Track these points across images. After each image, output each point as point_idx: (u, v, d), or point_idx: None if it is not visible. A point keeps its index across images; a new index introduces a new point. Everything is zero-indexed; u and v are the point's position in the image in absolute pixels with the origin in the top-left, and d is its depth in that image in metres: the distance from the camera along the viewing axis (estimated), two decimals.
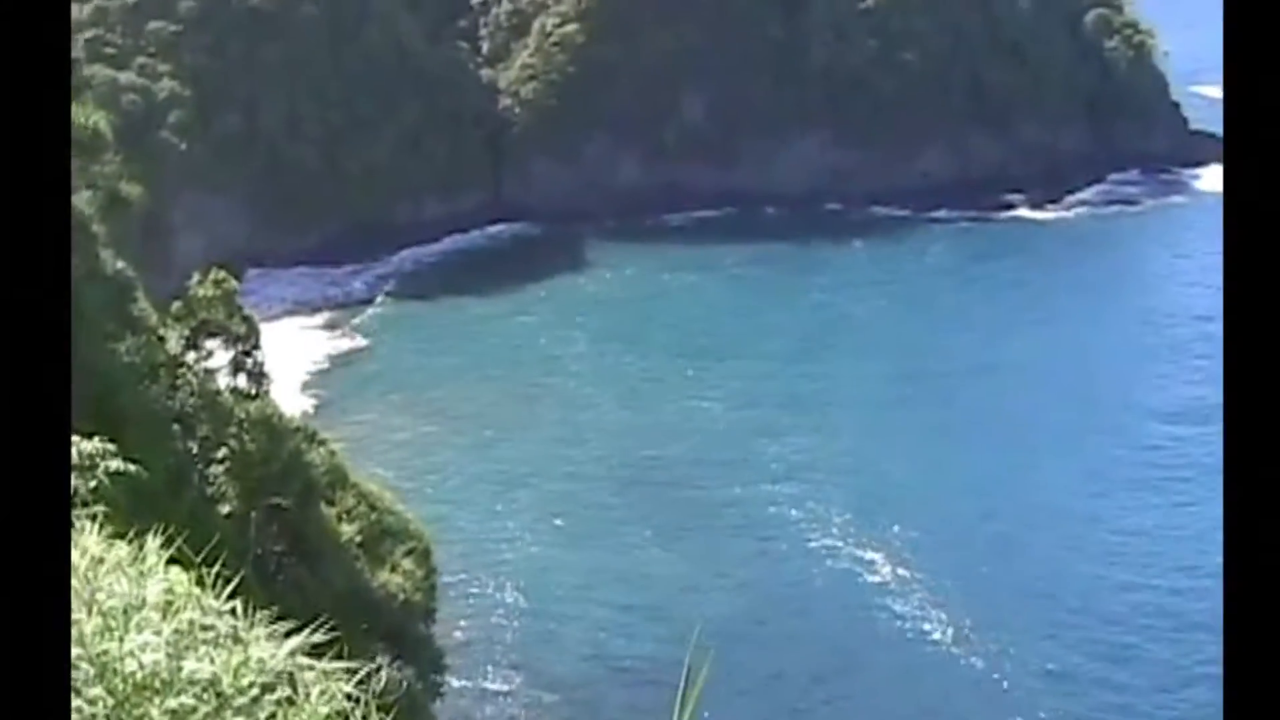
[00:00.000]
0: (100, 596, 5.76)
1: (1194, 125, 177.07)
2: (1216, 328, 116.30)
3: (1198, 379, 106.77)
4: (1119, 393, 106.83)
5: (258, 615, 5.93)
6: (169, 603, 5.81)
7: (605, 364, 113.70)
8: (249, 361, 48.44)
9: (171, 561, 6.16)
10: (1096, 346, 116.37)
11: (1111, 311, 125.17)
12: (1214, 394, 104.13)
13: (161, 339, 45.97)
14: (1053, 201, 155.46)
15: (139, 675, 5.43)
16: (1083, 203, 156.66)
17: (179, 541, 6.34)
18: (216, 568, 6.22)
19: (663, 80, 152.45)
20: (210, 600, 5.89)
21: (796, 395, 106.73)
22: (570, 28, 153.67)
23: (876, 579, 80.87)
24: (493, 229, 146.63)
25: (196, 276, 49.08)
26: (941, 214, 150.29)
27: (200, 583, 6.00)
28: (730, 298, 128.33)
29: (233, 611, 5.87)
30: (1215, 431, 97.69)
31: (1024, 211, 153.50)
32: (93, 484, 10.25)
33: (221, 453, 45.35)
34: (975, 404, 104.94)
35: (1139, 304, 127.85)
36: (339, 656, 5.92)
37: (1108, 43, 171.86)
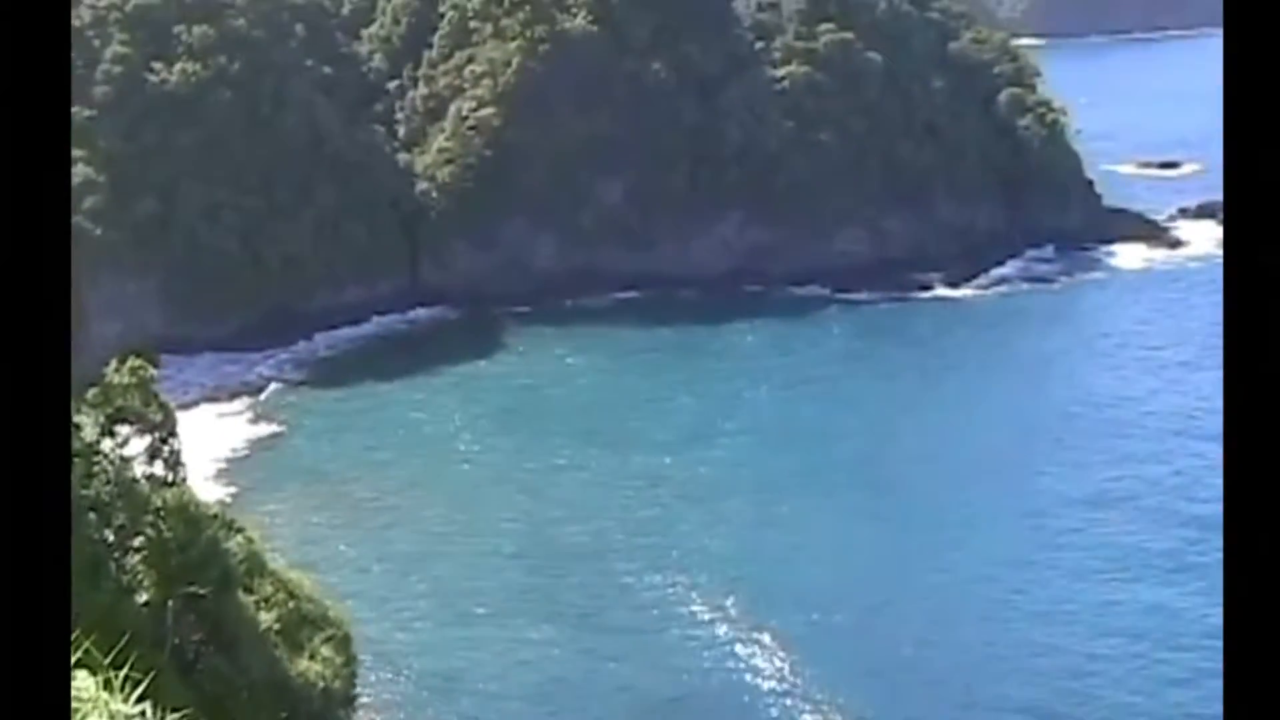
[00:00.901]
0: None
1: (1108, 202, 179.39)
2: (1131, 412, 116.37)
3: (1112, 463, 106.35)
4: (1031, 478, 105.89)
5: (170, 717, 5.73)
6: (74, 710, 5.61)
7: (514, 448, 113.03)
8: (165, 449, 48.00)
9: (80, 664, 5.97)
10: (1009, 430, 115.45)
11: (1026, 394, 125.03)
12: (1128, 478, 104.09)
13: (77, 426, 45.48)
14: (970, 279, 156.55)
15: None
16: (1000, 280, 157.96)
17: (86, 643, 6.16)
18: (126, 668, 6.02)
19: (579, 164, 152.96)
20: (119, 705, 5.69)
21: (697, 482, 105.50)
22: (487, 112, 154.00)
23: (775, 667, 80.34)
24: (411, 313, 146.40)
25: (113, 363, 48.67)
26: (861, 294, 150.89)
27: (108, 686, 5.80)
28: (642, 382, 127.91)
29: (143, 714, 5.67)
30: (1129, 516, 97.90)
31: (942, 290, 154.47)
32: None
33: (138, 541, 44.83)
34: (881, 490, 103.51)
35: (1054, 386, 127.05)
36: None
37: (1021, 122, 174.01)
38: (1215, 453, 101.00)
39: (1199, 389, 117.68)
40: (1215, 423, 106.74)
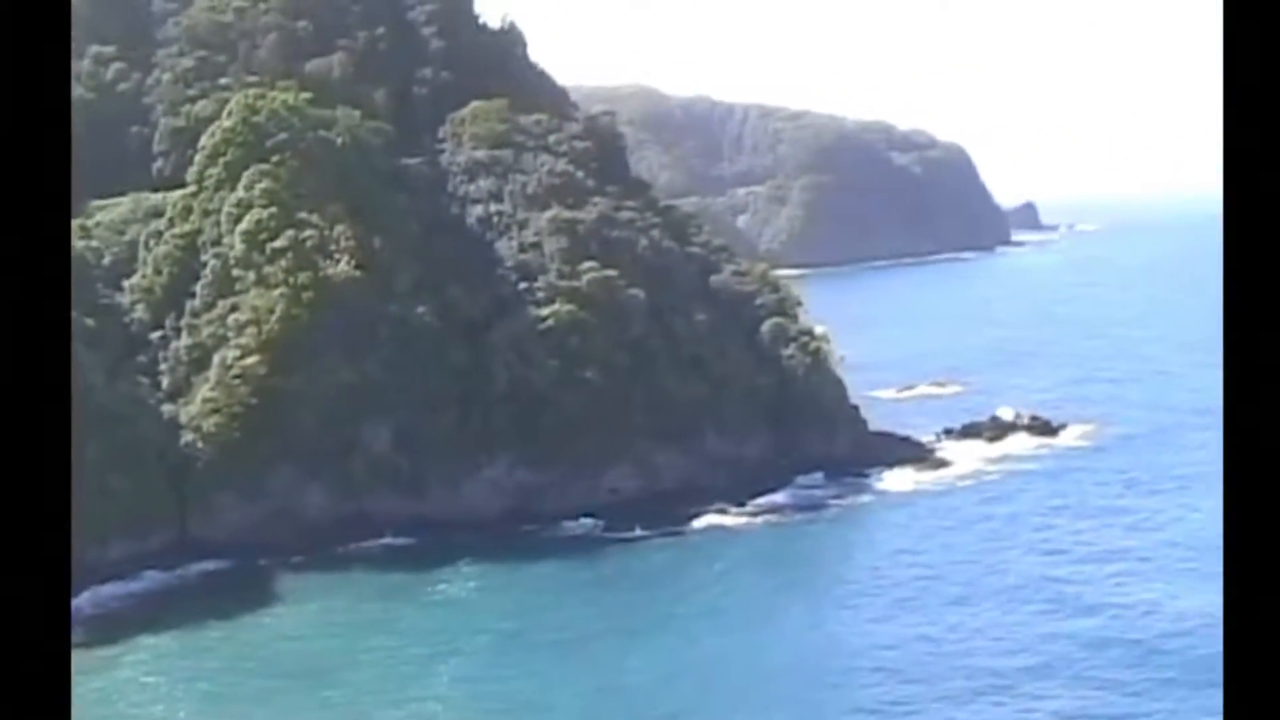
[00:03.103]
0: None
1: (874, 427, 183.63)
2: (905, 655, 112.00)
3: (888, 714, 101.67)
4: None
5: None
6: None
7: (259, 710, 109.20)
8: None
9: None
10: (763, 682, 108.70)
11: (783, 636, 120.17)
12: None
13: None
14: (740, 508, 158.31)
15: None
16: (771, 509, 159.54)
17: None
18: None
19: (347, 410, 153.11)
20: None
21: None
22: (252, 360, 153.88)
23: None
24: (181, 568, 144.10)
25: None
26: (633, 530, 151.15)
27: None
28: (391, 635, 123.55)
29: None
30: None
31: (713, 519, 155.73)
32: None
33: None
34: None
35: (815, 630, 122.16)
36: None
37: (785, 351, 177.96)
38: (995, 705, 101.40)
39: (966, 627, 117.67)
40: (991, 662, 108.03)
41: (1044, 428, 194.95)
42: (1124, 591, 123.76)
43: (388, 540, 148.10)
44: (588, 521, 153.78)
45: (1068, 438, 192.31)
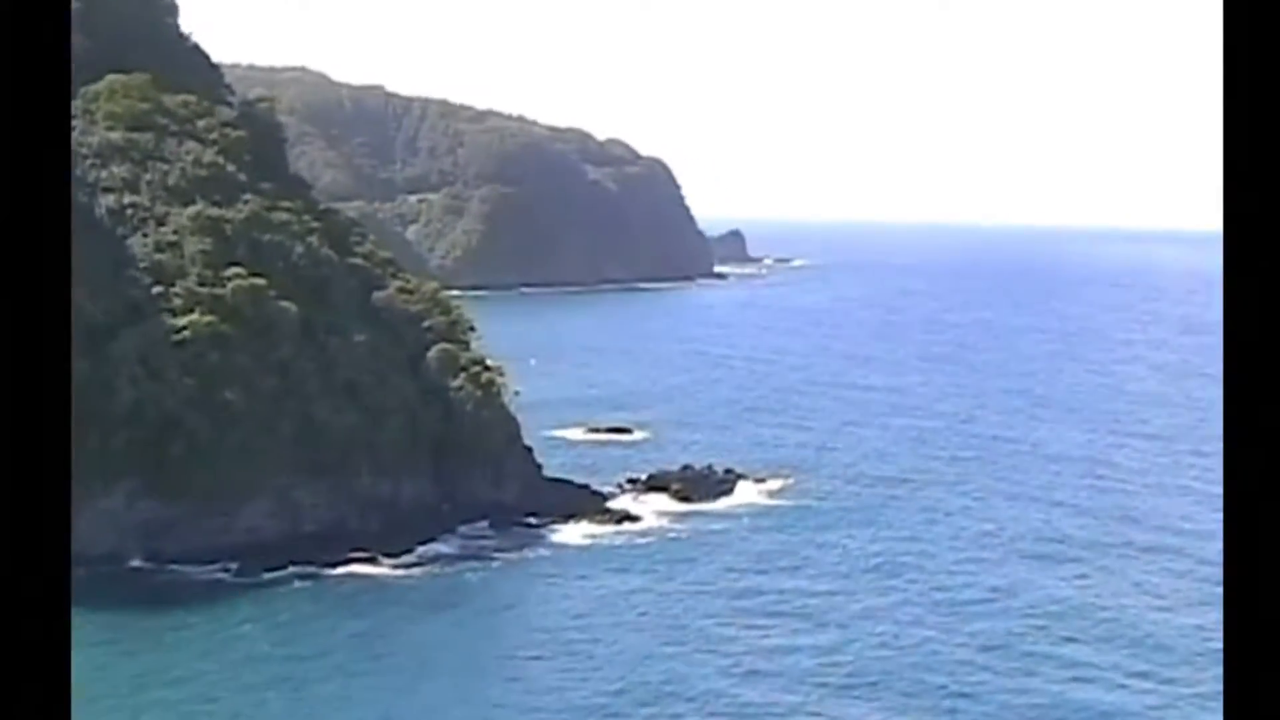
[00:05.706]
0: None
1: (552, 472, 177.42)
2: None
3: None
4: None
5: None
6: None
7: None
8: None
9: None
10: None
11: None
12: None
13: None
14: (393, 557, 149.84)
15: None
16: (430, 559, 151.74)
17: None
18: None
19: None
20: None
21: None
22: None
23: None
24: None
25: None
26: (267, 575, 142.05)
27: None
28: None
29: None
30: None
31: (362, 569, 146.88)
32: None
33: None
34: None
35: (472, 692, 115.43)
36: None
37: (453, 382, 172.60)
38: None
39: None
40: None
41: (732, 483, 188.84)
42: (806, 698, 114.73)
43: None
44: (214, 567, 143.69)
45: (754, 495, 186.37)
